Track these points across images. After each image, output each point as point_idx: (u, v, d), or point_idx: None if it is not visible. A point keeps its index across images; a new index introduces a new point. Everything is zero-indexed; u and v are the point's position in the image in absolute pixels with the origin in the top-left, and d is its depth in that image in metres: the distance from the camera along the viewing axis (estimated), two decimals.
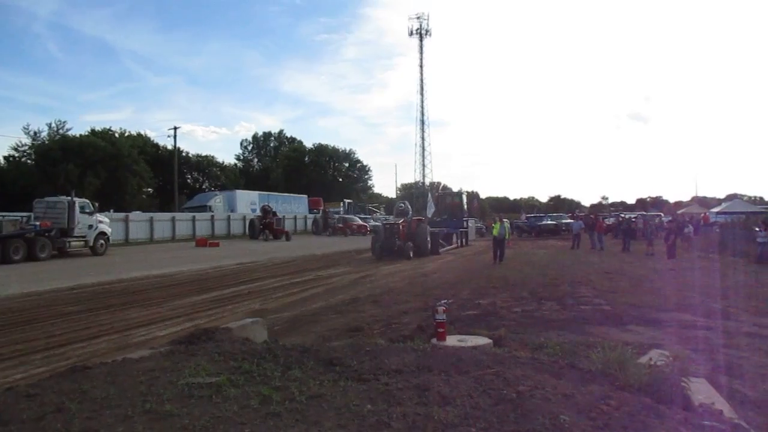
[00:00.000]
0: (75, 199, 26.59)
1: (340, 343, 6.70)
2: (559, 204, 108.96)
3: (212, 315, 11.40)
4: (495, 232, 22.85)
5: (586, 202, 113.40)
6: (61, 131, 57.98)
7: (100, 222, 28.00)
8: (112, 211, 38.17)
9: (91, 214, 27.20)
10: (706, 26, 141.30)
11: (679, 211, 61.35)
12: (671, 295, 12.74)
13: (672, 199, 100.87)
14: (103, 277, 17.58)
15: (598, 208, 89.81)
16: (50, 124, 59.61)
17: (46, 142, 55.93)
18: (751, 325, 9.64)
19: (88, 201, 28.44)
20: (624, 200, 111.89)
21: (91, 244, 26.96)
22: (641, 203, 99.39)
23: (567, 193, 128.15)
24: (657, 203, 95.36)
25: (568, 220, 45.16)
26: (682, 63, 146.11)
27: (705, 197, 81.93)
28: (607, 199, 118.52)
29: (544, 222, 50.16)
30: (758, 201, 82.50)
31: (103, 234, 27.88)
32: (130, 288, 15.35)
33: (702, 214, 48.52)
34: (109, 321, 10.62)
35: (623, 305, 11.42)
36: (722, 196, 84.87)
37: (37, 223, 25.02)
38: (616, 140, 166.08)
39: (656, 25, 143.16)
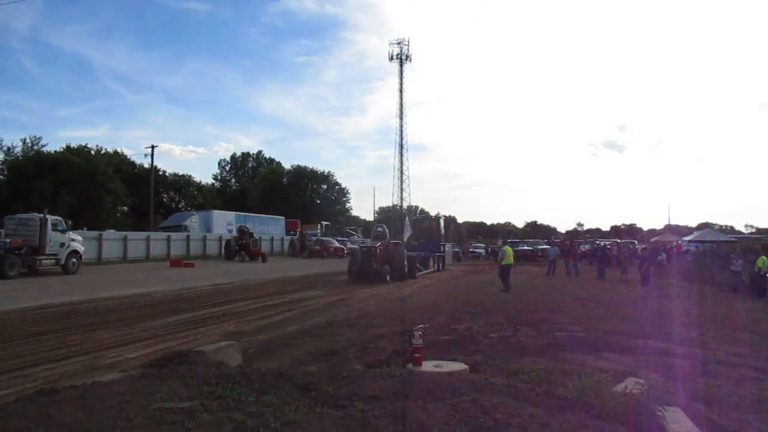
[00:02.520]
0: (47, 216, 26.10)
1: (315, 367, 6.64)
2: (535, 230, 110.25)
3: (185, 337, 11.17)
4: (511, 260, 22.02)
5: (562, 229, 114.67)
6: (36, 147, 57.24)
7: (73, 240, 27.42)
8: (85, 229, 37.52)
9: (63, 232, 26.64)
10: (679, 58, 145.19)
11: (653, 239, 62.40)
12: (646, 323, 12.86)
13: (645, 227, 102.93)
14: (73, 296, 17.17)
15: (574, 235, 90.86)
16: (25, 139, 58.95)
17: (20, 158, 55.07)
18: (725, 353, 9.75)
19: (60, 218, 27.87)
20: (599, 227, 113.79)
21: (62, 262, 26.37)
22: (615, 230, 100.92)
23: (543, 219, 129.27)
24: (631, 231, 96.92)
25: (544, 246, 45.56)
26: (656, 94, 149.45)
27: (678, 225, 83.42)
28: (582, 225, 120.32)
29: (520, 248, 50.48)
30: (729, 230, 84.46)
31: (75, 252, 27.31)
32: (101, 308, 15.02)
33: (675, 243, 49.28)
34: (78, 342, 10.35)
35: (598, 332, 11.49)
36: (694, 224, 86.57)
37: (8, 240, 24.43)
38: (592, 168, 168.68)
39: (631, 55, 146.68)
